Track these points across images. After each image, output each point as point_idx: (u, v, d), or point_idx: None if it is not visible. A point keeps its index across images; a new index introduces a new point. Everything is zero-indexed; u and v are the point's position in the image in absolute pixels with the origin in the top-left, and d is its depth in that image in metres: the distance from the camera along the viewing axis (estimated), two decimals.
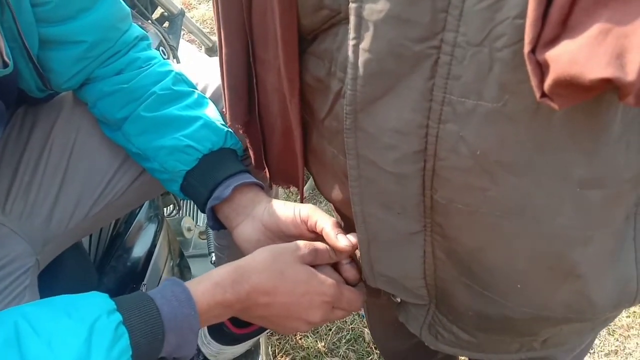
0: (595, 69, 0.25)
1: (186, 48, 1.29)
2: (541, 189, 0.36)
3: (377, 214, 0.44)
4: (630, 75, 0.24)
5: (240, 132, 0.59)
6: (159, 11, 1.29)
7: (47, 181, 0.67)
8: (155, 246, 0.96)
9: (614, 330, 1.25)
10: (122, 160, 0.70)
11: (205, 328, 0.73)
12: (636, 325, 1.25)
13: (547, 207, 0.37)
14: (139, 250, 0.94)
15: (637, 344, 1.22)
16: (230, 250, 0.94)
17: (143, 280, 0.92)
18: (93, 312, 0.44)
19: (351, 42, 0.36)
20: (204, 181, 0.60)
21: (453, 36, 0.33)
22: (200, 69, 0.76)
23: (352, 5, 0.35)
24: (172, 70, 0.67)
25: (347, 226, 0.59)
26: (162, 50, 0.99)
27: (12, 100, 0.63)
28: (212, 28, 2.29)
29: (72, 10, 0.58)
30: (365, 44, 0.35)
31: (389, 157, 0.40)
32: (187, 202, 1.29)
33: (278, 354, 1.26)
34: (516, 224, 0.38)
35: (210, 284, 0.49)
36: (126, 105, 0.64)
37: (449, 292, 0.47)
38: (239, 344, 0.75)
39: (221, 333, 0.72)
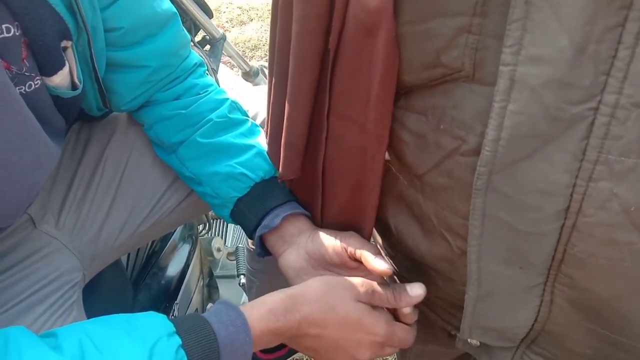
0: None
1: (225, 72, 1.32)
2: None
3: (496, 270, 0.43)
4: None
5: (289, 185, 0.59)
6: (200, 34, 1.33)
7: (99, 197, 0.68)
8: (188, 266, 0.97)
9: None
10: (171, 181, 0.72)
11: None
12: None
13: None
14: (173, 269, 0.95)
15: None
16: (263, 274, 0.95)
17: (176, 299, 0.92)
18: (153, 333, 0.44)
19: (497, 104, 0.36)
20: (254, 209, 0.62)
21: (615, 98, 0.33)
22: (250, 96, 0.78)
23: (504, 69, 0.35)
24: (228, 98, 0.68)
25: (420, 278, 0.56)
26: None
27: (73, 118, 0.65)
28: (243, 52, 2.33)
29: (140, 36, 0.61)
30: (515, 107, 0.35)
31: (527, 218, 0.39)
32: (217, 222, 1.30)
33: None
34: None
35: (264, 311, 0.49)
36: (183, 130, 0.65)
37: (560, 333, 0.46)
38: None
39: None
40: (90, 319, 0.47)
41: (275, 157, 0.57)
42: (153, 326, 0.45)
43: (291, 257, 0.59)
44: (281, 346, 1.03)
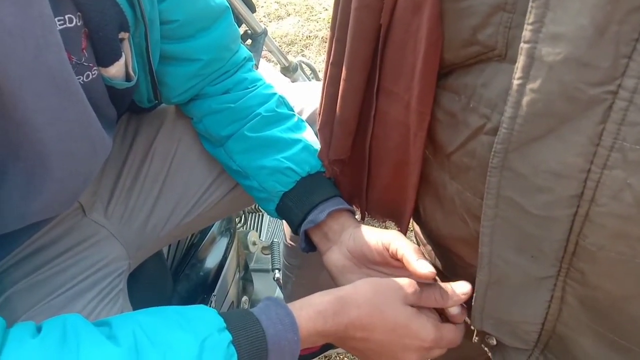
0: None
1: (265, 67, 1.32)
2: None
3: (506, 256, 0.43)
4: None
5: (336, 170, 0.59)
6: (242, 28, 1.33)
7: (147, 188, 0.69)
8: (226, 259, 0.98)
9: None
10: (217, 174, 0.72)
11: None
12: None
13: None
14: (211, 261, 0.95)
15: None
16: (300, 270, 0.94)
17: (213, 292, 0.93)
18: (204, 327, 0.44)
19: (516, 82, 0.36)
20: (300, 204, 0.61)
21: (634, 82, 0.32)
22: (296, 92, 0.78)
23: (524, 46, 0.35)
24: (275, 93, 0.68)
25: (446, 264, 0.57)
26: None
27: (124, 109, 0.66)
28: (280, 46, 2.34)
29: (193, 29, 0.61)
30: (533, 84, 0.35)
31: (538, 200, 0.39)
32: (252, 216, 1.31)
33: None
34: None
35: (313, 312, 0.48)
36: (232, 123, 0.66)
37: (570, 338, 0.46)
38: None
39: None
40: (142, 310, 0.48)
41: (327, 137, 0.58)
42: (204, 320, 0.45)
43: (334, 255, 0.59)
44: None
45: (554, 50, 0.34)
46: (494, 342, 0.52)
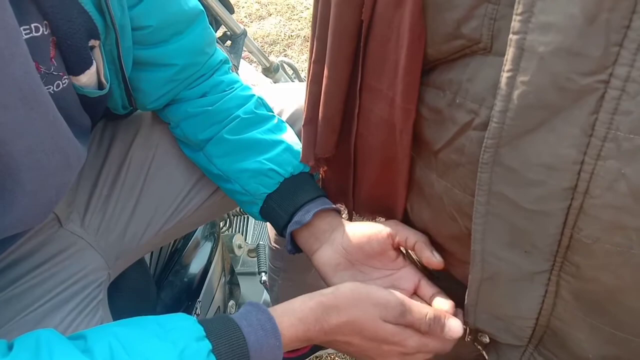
0: None
1: (246, 68, 1.32)
2: None
3: (499, 253, 0.43)
4: None
5: (322, 167, 0.59)
6: (221, 30, 1.32)
7: (124, 197, 0.68)
8: (210, 264, 0.97)
9: None
10: (196, 180, 0.71)
11: None
12: None
13: None
14: (195, 267, 0.94)
15: None
16: (285, 273, 0.94)
17: (198, 297, 0.92)
18: (183, 337, 0.44)
19: (506, 74, 0.35)
20: (284, 205, 0.61)
21: (626, 70, 0.31)
22: (276, 93, 0.77)
23: (513, 37, 0.34)
24: (253, 95, 0.68)
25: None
26: None
27: (99, 117, 0.65)
28: (262, 47, 2.33)
29: (167, 34, 0.60)
30: (524, 76, 0.35)
31: (531, 194, 0.38)
32: (237, 219, 1.30)
33: None
34: None
35: (295, 319, 0.48)
36: (210, 127, 0.65)
37: (565, 333, 0.45)
38: None
39: None
40: (120, 321, 0.47)
41: (311, 135, 0.57)
42: (183, 329, 0.45)
43: (326, 253, 0.58)
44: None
45: (544, 40, 0.33)
46: (487, 340, 0.52)
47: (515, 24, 0.34)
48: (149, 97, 0.64)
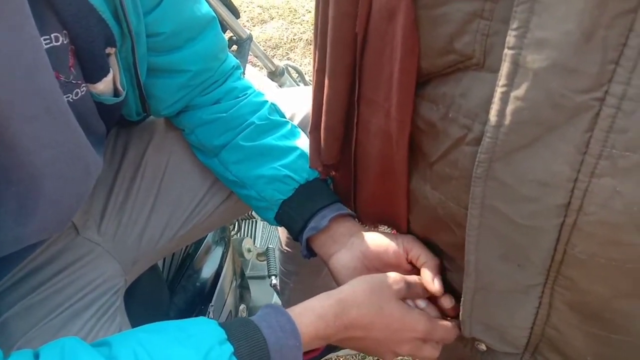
0: None
1: (252, 73, 1.32)
2: None
3: (493, 265, 0.43)
4: None
5: (331, 172, 0.59)
6: (227, 35, 1.32)
7: (139, 203, 0.68)
8: (222, 268, 0.97)
9: None
10: (210, 184, 0.72)
11: None
12: None
13: None
14: (207, 271, 0.95)
15: None
16: (297, 276, 0.94)
17: (210, 302, 0.93)
18: (205, 341, 0.44)
19: (500, 89, 0.35)
20: (300, 211, 0.61)
21: (622, 88, 0.31)
22: (286, 97, 0.78)
23: (508, 52, 0.34)
24: (267, 101, 0.68)
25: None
26: None
27: (113, 124, 0.65)
28: (265, 50, 2.33)
29: (180, 40, 0.60)
30: (518, 92, 0.35)
31: (524, 209, 0.38)
32: (246, 223, 1.30)
33: None
34: None
35: (314, 317, 0.49)
36: (224, 133, 0.65)
37: (561, 340, 0.46)
38: None
39: None
40: (142, 327, 0.47)
41: (317, 141, 0.57)
42: (205, 334, 0.45)
43: (345, 257, 0.59)
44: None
45: (539, 56, 0.33)
46: (484, 348, 0.52)
47: (510, 39, 0.34)
48: (163, 104, 0.65)
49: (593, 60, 0.32)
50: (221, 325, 0.46)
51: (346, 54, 0.47)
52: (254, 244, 1.26)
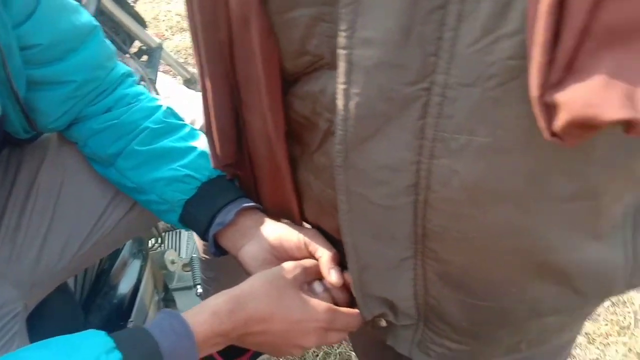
0: (610, 111, 0.26)
1: (165, 80, 1.30)
2: (529, 211, 0.38)
3: (367, 244, 0.46)
4: None
5: (234, 171, 0.59)
6: (136, 45, 1.30)
7: (34, 224, 0.66)
8: (140, 282, 0.95)
9: (593, 339, 1.29)
10: (110, 197, 0.70)
11: None
12: (614, 332, 1.30)
13: (535, 225, 0.39)
14: (124, 286, 0.92)
15: (616, 351, 1.26)
16: (217, 282, 0.94)
17: (130, 317, 0.90)
18: (92, 351, 0.43)
19: (341, 87, 0.37)
20: (204, 209, 0.61)
21: (443, 78, 0.34)
22: (186, 103, 0.77)
23: (341, 52, 0.36)
24: (161, 105, 0.67)
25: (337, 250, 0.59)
26: (144, 85, 1.00)
27: None
28: (186, 59, 2.30)
29: (60, 51, 0.59)
30: (355, 88, 0.37)
31: (379, 192, 0.41)
32: (169, 235, 1.27)
33: None
34: (507, 243, 0.41)
35: (207, 315, 0.49)
36: (118, 140, 0.63)
37: (441, 309, 0.49)
38: None
39: None
40: (29, 345, 0.46)
41: (212, 144, 0.58)
42: (92, 344, 0.44)
43: (253, 248, 0.59)
44: (244, 351, 1.02)
45: (368, 54, 0.35)
46: (384, 324, 0.54)
47: (340, 39, 0.36)
48: (48, 117, 0.62)
49: (414, 55, 0.34)
50: (110, 335, 0.46)
51: (220, 62, 0.48)
52: (180, 255, 1.24)
